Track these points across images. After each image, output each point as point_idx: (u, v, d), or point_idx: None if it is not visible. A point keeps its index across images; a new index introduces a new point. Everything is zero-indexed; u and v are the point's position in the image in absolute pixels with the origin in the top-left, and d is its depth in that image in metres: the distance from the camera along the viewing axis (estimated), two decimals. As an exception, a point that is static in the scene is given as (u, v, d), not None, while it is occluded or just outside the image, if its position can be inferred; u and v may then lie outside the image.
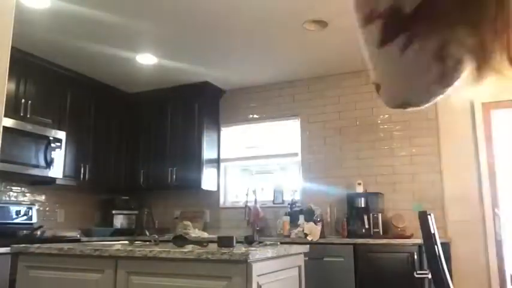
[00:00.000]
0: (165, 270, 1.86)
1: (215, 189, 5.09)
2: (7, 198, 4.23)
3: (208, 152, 5.00)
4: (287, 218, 4.44)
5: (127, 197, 5.18)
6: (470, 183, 4.06)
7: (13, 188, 4.30)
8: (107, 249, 2.00)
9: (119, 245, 2.25)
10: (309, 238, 3.93)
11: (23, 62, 4.03)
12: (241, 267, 1.73)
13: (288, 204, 4.56)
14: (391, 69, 0.48)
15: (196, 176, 4.87)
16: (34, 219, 4.28)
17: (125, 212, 5.11)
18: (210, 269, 1.77)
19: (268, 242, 2.49)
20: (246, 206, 4.78)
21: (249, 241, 2.34)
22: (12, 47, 1.39)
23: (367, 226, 4.06)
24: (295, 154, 4.86)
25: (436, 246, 2.71)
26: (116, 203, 5.10)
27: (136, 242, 2.53)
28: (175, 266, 1.84)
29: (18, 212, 4.16)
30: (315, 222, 4.11)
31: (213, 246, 2.22)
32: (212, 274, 1.77)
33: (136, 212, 5.20)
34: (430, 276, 3.16)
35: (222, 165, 5.22)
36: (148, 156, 5.17)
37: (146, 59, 4.36)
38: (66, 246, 2.17)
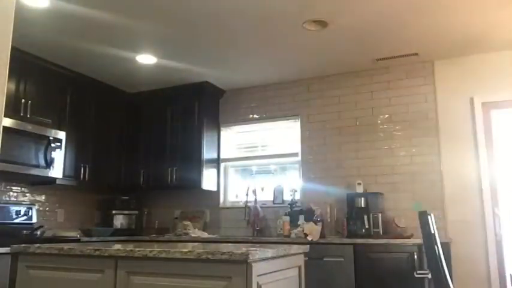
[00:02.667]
0: (165, 270, 1.86)
1: (215, 189, 5.08)
2: (7, 198, 4.23)
3: (208, 152, 5.00)
4: (287, 218, 4.44)
5: (127, 197, 5.18)
6: (470, 183, 4.06)
7: (13, 188, 4.30)
8: (107, 249, 2.00)
9: (119, 245, 2.25)
10: (309, 238, 3.93)
11: (23, 62, 4.03)
12: (241, 267, 1.73)
13: (288, 204, 4.56)
14: None
15: (196, 176, 4.87)
16: (34, 219, 4.29)
17: (125, 212, 5.11)
18: (210, 269, 1.77)
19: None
20: (246, 206, 4.79)
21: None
22: (12, 47, 1.39)
23: (367, 226, 4.06)
24: (295, 154, 4.86)
25: (436, 246, 2.70)
26: (116, 203, 5.10)
27: (136, 242, 2.53)
28: (175, 266, 1.84)
29: (18, 212, 4.17)
30: (315, 222, 4.11)
31: (213, 246, 2.22)
32: (212, 274, 1.77)
33: (136, 212, 5.20)
34: (430, 276, 3.16)
35: (222, 165, 5.22)
36: (148, 156, 5.17)
37: (146, 59, 4.36)
38: (66, 246, 2.17)
